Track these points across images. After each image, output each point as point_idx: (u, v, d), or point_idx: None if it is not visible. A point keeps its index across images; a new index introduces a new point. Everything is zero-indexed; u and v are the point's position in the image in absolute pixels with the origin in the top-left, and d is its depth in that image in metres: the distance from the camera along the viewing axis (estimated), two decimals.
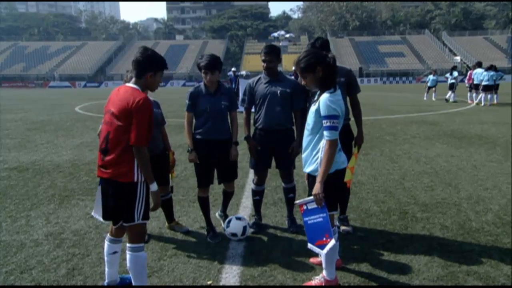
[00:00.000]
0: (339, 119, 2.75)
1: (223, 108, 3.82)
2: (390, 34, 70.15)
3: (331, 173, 2.79)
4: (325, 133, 2.72)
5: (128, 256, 2.79)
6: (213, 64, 3.68)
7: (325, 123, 2.71)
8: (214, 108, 3.79)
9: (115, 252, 2.98)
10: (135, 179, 2.68)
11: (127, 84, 2.77)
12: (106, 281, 3.02)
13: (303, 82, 2.95)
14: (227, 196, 4.22)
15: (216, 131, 3.82)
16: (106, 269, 3.01)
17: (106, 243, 2.98)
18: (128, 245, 2.80)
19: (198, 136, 3.86)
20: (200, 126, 3.84)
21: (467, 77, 19.19)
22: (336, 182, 2.88)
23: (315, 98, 2.90)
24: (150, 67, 2.71)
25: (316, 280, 3.05)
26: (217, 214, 4.33)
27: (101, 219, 3.19)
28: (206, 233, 4.01)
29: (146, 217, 2.79)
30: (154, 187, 2.71)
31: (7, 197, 5.31)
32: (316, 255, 3.42)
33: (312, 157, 2.87)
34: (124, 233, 2.95)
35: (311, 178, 2.90)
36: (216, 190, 4.50)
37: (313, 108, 2.84)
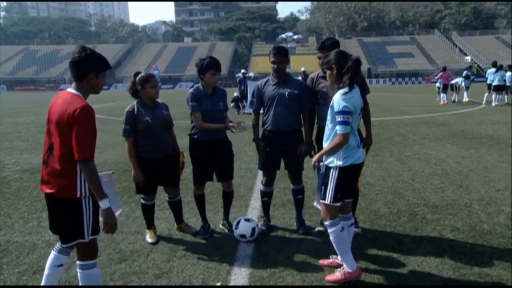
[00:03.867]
0: (351, 115, 2.92)
1: (221, 109, 3.91)
2: (399, 34, 69.66)
3: (347, 165, 3.01)
4: (337, 127, 2.95)
5: (79, 275, 2.57)
6: (219, 64, 3.84)
7: (337, 118, 2.93)
8: (213, 109, 3.86)
9: (60, 265, 2.69)
10: (78, 195, 2.42)
11: (68, 90, 2.48)
12: None
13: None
14: (227, 198, 4.20)
15: (215, 131, 3.88)
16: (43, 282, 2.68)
17: (52, 252, 2.69)
18: (78, 262, 2.56)
19: (195, 137, 3.91)
20: None
21: (440, 78, 19.27)
22: (350, 175, 3.07)
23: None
24: (90, 68, 2.42)
25: (337, 273, 3.10)
26: (220, 225, 4.27)
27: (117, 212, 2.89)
28: (201, 229, 4.10)
29: (95, 232, 2.54)
30: (104, 204, 2.39)
31: (19, 199, 5.38)
32: (325, 257, 3.44)
33: None
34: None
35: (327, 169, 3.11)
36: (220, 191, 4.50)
37: (330, 104, 3.07)
